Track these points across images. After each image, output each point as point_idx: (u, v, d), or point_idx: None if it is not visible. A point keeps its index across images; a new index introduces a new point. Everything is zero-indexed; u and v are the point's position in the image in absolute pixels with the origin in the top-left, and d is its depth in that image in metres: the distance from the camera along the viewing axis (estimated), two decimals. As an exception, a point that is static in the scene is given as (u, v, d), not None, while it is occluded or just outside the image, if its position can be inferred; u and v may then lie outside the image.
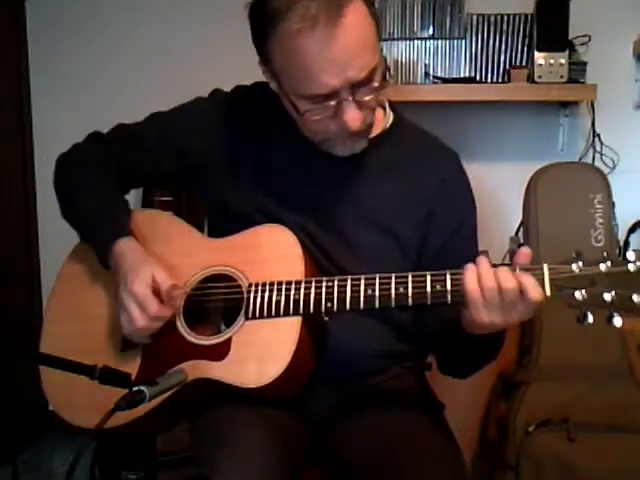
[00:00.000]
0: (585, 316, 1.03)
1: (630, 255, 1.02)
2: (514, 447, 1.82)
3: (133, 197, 2.18)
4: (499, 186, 2.31)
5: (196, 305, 1.26)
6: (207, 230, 1.38)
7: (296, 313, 1.16)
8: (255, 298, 1.19)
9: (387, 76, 1.20)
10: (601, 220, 1.95)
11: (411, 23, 2.24)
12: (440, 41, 2.27)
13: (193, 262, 1.27)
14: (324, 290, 1.15)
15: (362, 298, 1.12)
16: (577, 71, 2.16)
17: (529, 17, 2.21)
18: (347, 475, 1.22)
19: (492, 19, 2.24)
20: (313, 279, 1.17)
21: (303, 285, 1.17)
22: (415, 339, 1.33)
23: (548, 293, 1.03)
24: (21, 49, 2.50)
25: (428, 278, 1.09)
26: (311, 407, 1.27)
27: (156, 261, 1.24)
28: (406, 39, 2.26)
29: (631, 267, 1.01)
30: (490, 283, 1.02)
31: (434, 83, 2.26)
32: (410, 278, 1.10)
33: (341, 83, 1.09)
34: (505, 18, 2.23)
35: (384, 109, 1.33)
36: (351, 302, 1.13)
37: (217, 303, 1.25)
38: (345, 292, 1.14)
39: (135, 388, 1.01)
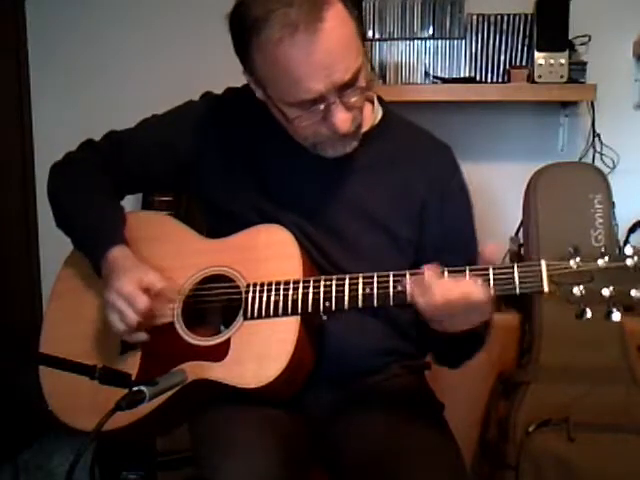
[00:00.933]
0: (583, 312, 1.03)
1: (628, 250, 1.01)
2: (514, 447, 1.82)
3: (133, 197, 2.19)
4: (499, 186, 2.31)
5: (195, 306, 1.26)
6: (206, 230, 1.39)
7: (294, 313, 1.16)
8: (253, 298, 1.19)
9: (373, 75, 1.20)
10: (601, 220, 1.94)
11: (411, 23, 2.24)
12: (440, 41, 2.26)
13: (191, 263, 1.27)
14: (322, 290, 1.15)
15: (360, 297, 1.13)
16: (577, 71, 2.16)
17: (529, 17, 2.21)
18: (347, 475, 1.22)
19: (492, 19, 2.24)
20: (311, 278, 1.17)
21: (301, 285, 1.17)
22: (414, 338, 1.33)
23: (546, 289, 1.03)
24: (21, 49, 2.49)
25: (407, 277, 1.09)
26: (311, 407, 1.27)
27: (148, 266, 1.24)
28: (406, 39, 2.26)
29: (629, 262, 1.01)
30: (437, 299, 1.02)
31: (434, 83, 2.26)
32: (408, 276, 1.10)
33: (327, 87, 1.09)
34: (505, 18, 2.23)
35: (372, 104, 1.32)
36: (349, 301, 1.13)
37: (215, 304, 1.25)
38: (343, 291, 1.14)
39: (135, 388, 1.01)
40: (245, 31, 1.10)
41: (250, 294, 1.20)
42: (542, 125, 2.36)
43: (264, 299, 1.18)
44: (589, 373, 1.90)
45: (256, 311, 1.18)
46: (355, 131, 1.20)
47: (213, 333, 1.22)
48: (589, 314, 1.03)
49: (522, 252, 2.09)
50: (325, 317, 1.21)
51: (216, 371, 1.17)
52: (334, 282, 1.15)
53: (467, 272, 1.05)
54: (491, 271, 1.05)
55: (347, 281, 1.14)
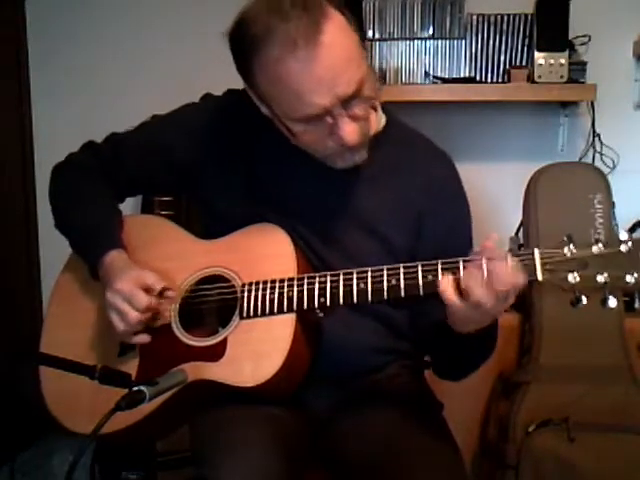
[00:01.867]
0: (579, 299, 1.03)
1: (622, 235, 1.01)
2: (514, 447, 1.82)
3: (134, 199, 2.19)
4: (499, 186, 2.31)
5: (191, 307, 1.26)
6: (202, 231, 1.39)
7: (290, 310, 1.17)
8: (249, 297, 1.19)
9: (379, 83, 1.19)
10: (601, 220, 1.94)
11: (411, 23, 2.24)
12: (440, 41, 2.27)
13: (187, 265, 1.28)
14: (317, 286, 1.16)
15: (355, 292, 1.13)
16: (577, 71, 2.16)
17: (529, 17, 2.21)
18: (347, 474, 1.22)
19: (492, 19, 2.24)
20: (305, 275, 1.17)
21: (296, 282, 1.17)
22: (412, 338, 1.33)
23: (540, 277, 1.03)
24: (21, 49, 2.49)
25: (419, 269, 1.09)
26: (311, 406, 1.27)
27: (144, 268, 1.25)
28: (406, 39, 2.26)
29: (623, 248, 1.01)
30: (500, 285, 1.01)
31: (434, 83, 2.26)
32: (402, 270, 1.10)
33: (331, 101, 1.08)
34: (505, 18, 2.23)
35: (375, 110, 1.31)
36: (344, 296, 1.14)
37: (212, 304, 1.26)
38: (338, 287, 1.14)
39: (135, 388, 1.01)
40: (245, 50, 1.09)
41: (245, 293, 1.20)
42: (542, 125, 2.36)
43: (259, 298, 1.19)
44: (589, 373, 1.90)
45: (252, 310, 1.19)
46: (363, 141, 1.19)
47: (210, 333, 1.22)
48: (584, 301, 1.02)
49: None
50: (321, 314, 1.21)
51: (214, 371, 1.17)
52: (329, 278, 1.15)
53: (461, 263, 1.05)
54: (484, 261, 1.04)
55: (341, 277, 1.15)
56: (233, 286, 1.23)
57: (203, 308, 1.27)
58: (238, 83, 1.36)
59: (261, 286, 1.19)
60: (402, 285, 1.10)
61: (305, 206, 1.26)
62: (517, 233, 2.16)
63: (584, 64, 2.18)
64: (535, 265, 1.03)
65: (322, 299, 1.15)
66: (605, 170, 2.20)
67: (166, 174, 1.36)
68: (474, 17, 2.24)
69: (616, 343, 1.92)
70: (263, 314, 1.18)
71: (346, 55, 1.08)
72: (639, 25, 2.26)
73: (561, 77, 2.12)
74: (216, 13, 2.32)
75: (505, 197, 2.28)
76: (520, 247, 2.21)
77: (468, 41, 2.25)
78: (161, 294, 1.24)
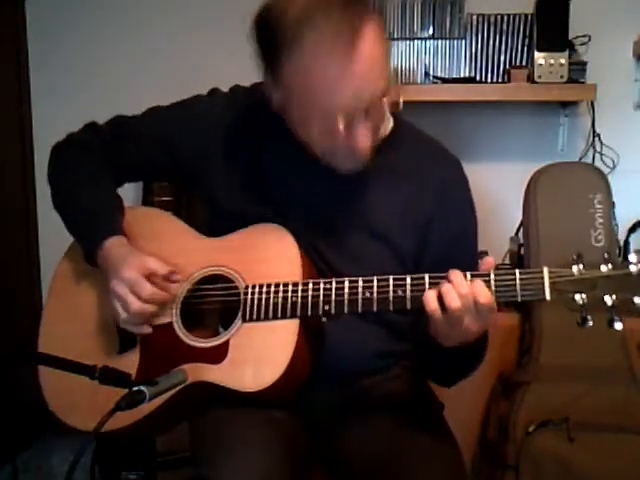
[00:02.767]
0: (585, 320, 1.02)
1: (632, 257, 1.00)
2: (514, 447, 1.82)
3: (133, 197, 2.19)
4: (499, 186, 2.31)
5: (193, 307, 1.25)
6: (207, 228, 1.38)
7: (293, 316, 1.15)
8: (252, 300, 1.18)
9: (397, 96, 1.19)
10: (601, 220, 1.94)
11: (411, 23, 2.24)
12: (440, 41, 2.27)
13: (190, 261, 1.26)
14: (322, 292, 1.14)
15: (360, 301, 1.11)
16: (577, 71, 2.16)
17: (529, 17, 2.21)
18: (348, 475, 1.22)
19: (492, 19, 2.24)
20: (310, 281, 1.16)
21: (300, 287, 1.16)
22: (413, 339, 1.32)
23: (548, 297, 1.02)
24: (21, 49, 2.49)
25: (426, 280, 1.08)
26: (312, 407, 1.26)
27: (145, 253, 1.23)
28: (406, 39, 2.26)
29: (633, 269, 1.00)
30: (454, 302, 1.02)
31: (434, 83, 2.26)
32: (409, 280, 1.09)
33: (356, 105, 1.07)
34: (505, 18, 2.23)
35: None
36: (349, 305, 1.12)
37: (214, 305, 1.25)
38: (343, 295, 1.13)
39: (135, 388, 1.01)
40: (278, 40, 1.06)
41: (249, 296, 1.18)
42: (542, 125, 2.36)
43: (263, 301, 1.17)
44: (589, 373, 1.89)
45: (255, 313, 1.17)
46: (371, 147, 1.18)
47: (212, 334, 1.21)
48: (591, 322, 1.01)
49: (522, 252, 2.09)
50: (324, 319, 1.20)
51: (214, 373, 1.16)
52: (334, 285, 1.14)
53: (468, 276, 1.05)
54: (492, 277, 1.04)
55: (347, 284, 1.13)
56: (236, 287, 1.21)
57: (205, 308, 1.25)
58: (238, 82, 1.36)
59: (265, 289, 1.18)
60: (408, 296, 1.09)
61: (311, 208, 1.25)
62: (517, 233, 2.16)
63: (584, 64, 2.19)
64: (544, 284, 1.02)
65: (327, 306, 1.13)
66: (605, 170, 2.20)
67: (169, 165, 1.33)
68: (474, 17, 2.24)
69: (616, 343, 1.91)
70: (266, 318, 1.16)
71: (378, 62, 1.07)
72: (639, 25, 2.26)
73: (561, 77, 2.12)
74: (216, 13, 2.34)
75: (505, 197, 2.28)
76: (520, 247, 2.22)
77: (468, 41, 2.25)
78: (167, 278, 1.22)
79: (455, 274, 1.04)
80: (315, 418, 1.27)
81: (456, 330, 1.05)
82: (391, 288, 1.10)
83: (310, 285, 1.15)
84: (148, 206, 2.12)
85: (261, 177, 1.28)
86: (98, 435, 0.95)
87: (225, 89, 1.37)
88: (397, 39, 2.25)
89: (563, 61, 2.12)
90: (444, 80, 2.25)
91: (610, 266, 1.01)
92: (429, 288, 1.07)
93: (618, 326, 1.01)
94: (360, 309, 1.12)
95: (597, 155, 2.30)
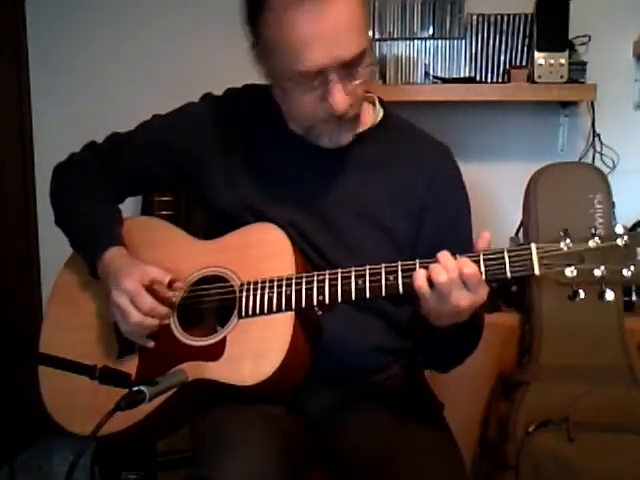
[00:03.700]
0: (576, 293, 1.03)
1: (619, 229, 1.02)
2: (514, 447, 1.82)
3: (133, 198, 2.19)
4: (499, 186, 2.31)
5: (190, 307, 1.26)
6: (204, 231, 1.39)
7: (288, 309, 1.17)
8: (247, 297, 1.20)
9: (375, 68, 1.20)
10: (601, 220, 1.94)
11: (411, 23, 2.24)
12: (440, 41, 2.27)
13: (185, 265, 1.28)
14: (315, 284, 1.16)
15: (353, 290, 1.13)
16: (577, 71, 2.16)
17: (529, 17, 2.21)
18: (347, 474, 1.22)
19: (492, 19, 2.24)
20: (304, 274, 1.17)
21: (294, 281, 1.17)
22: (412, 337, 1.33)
23: (537, 272, 1.03)
24: (21, 49, 2.49)
25: (417, 266, 1.09)
26: (311, 406, 1.27)
27: (145, 263, 1.25)
28: (406, 39, 2.26)
29: (619, 241, 1.01)
30: (440, 277, 1.03)
31: (434, 83, 2.26)
32: (400, 267, 1.11)
33: (328, 61, 1.09)
34: (505, 18, 2.23)
35: (374, 105, 1.33)
36: (342, 294, 1.14)
37: (211, 304, 1.26)
38: (336, 285, 1.14)
39: (135, 388, 1.01)
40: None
41: (244, 293, 1.20)
42: (542, 125, 2.36)
43: (258, 297, 1.19)
44: (589, 373, 1.90)
45: (250, 309, 1.19)
46: (352, 120, 1.20)
47: (209, 333, 1.22)
48: (582, 295, 1.02)
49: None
50: (320, 312, 1.21)
51: (213, 370, 1.17)
52: (327, 277, 1.15)
53: (458, 257, 1.06)
54: (481, 256, 1.05)
55: (339, 275, 1.14)
56: (232, 286, 1.23)
57: (202, 308, 1.27)
58: (238, 82, 1.37)
59: (259, 285, 1.19)
60: (400, 282, 1.10)
61: (304, 199, 1.27)
62: (517, 233, 2.16)
63: (584, 64, 2.18)
64: (532, 260, 1.03)
65: (320, 297, 1.15)
66: (605, 170, 2.20)
67: (166, 172, 1.36)
68: (474, 17, 2.24)
69: (616, 343, 1.92)
70: (262, 313, 1.18)
71: (351, 20, 1.10)
72: (639, 25, 2.26)
73: (561, 77, 2.12)
74: (216, 13, 2.34)
75: (505, 197, 2.28)
76: (520, 246, 2.21)
77: (468, 41, 2.25)
78: (169, 286, 1.24)
79: (443, 254, 1.06)
80: (314, 417, 1.27)
81: (446, 307, 1.05)
82: (383, 276, 1.11)
83: (303, 278, 1.17)
84: (148, 207, 2.13)
85: (255, 174, 1.30)
86: (97, 439, 0.95)
87: (225, 89, 1.37)
88: (397, 39, 2.25)
89: (563, 61, 2.12)
90: (444, 80, 2.25)
91: (597, 239, 1.02)
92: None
93: (609, 296, 1.01)
94: (354, 297, 1.13)
95: (597, 155, 2.30)
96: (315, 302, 1.15)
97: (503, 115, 2.35)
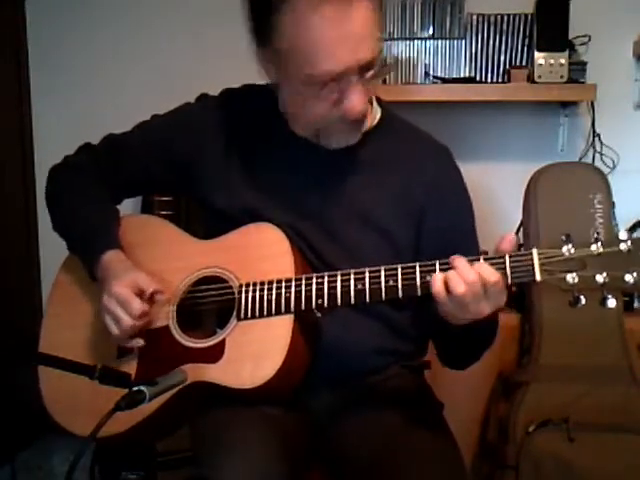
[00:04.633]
0: (577, 299, 1.02)
1: (622, 235, 1.00)
2: (514, 447, 1.82)
3: (133, 198, 2.18)
4: (499, 186, 2.31)
5: (189, 309, 1.26)
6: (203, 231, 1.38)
7: (287, 311, 1.16)
8: (246, 298, 1.19)
9: (385, 69, 1.21)
10: (601, 220, 1.94)
11: (411, 23, 2.24)
12: (440, 41, 2.26)
13: (184, 265, 1.28)
14: (314, 287, 1.15)
15: (352, 292, 1.13)
16: (577, 71, 2.16)
17: (529, 17, 2.21)
18: (347, 475, 1.22)
19: (492, 19, 2.24)
20: (303, 276, 1.17)
21: (293, 283, 1.17)
22: (413, 338, 1.32)
23: (538, 278, 1.02)
24: (21, 49, 2.49)
25: (417, 269, 1.09)
26: (311, 407, 1.27)
27: (140, 269, 1.25)
28: (406, 39, 2.26)
29: (623, 247, 1.00)
30: (458, 287, 1.02)
31: (434, 83, 2.26)
32: (400, 270, 1.10)
33: (352, 63, 1.09)
34: (505, 18, 2.23)
35: (371, 105, 1.32)
36: (342, 297, 1.13)
37: (209, 305, 1.26)
38: (335, 288, 1.14)
39: (135, 388, 1.01)
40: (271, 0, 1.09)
41: (243, 294, 1.20)
42: (542, 125, 2.36)
43: (257, 299, 1.18)
44: (589, 373, 1.90)
45: (249, 311, 1.18)
46: (362, 120, 1.20)
47: (209, 335, 1.22)
48: (583, 301, 1.02)
49: (522, 252, 2.08)
50: (319, 314, 1.20)
51: (212, 372, 1.17)
52: (326, 279, 1.15)
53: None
54: (482, 262, 1.04)
55: (339, 277, 1.14)
56: (230, 287, 1.22)
57: (201, 309, 1.26)
58: (238, 82, 1.36)
59: (258, 287, 1.19)
60: (400, 286, 1.10)
61: (303, 201, 1.26)
62: (517, 233, 2.16)
63: (584, 64, 2.18)
64: (533, 265, 1.02)
65: (320, 300, 1.15)
66: (605, 170, 2.20)
67: (164, 173, 1.35)
68: (474, 17, 2.24)
69: (616, 343, 1.92)
70: (261, 315, 1.18)
71: (372, 23, 1.10)
72: (639, 25, 2.26)
73: (561, 77, 2.12)
74: (216, 13, 2.34)
75: (505, 197, 2.28)
76: (520, 247, 2.21)
77: (468, 41, 2.25)
78: (151, 297, 1.23)
79: (459, 260, 1.04)
80: (314, 417, 1.27)
81: (466, 314, 1.05)
82: (383, 278, 1.11)
83: (303, 280, 1.16)
84: (148, 207, 2.13)
85: (253, 174, 1.29)
86: (98, 440, 0.95)
87: (222, 89, 1.37)
88: (397, 39, 2.25)
89: (563, 61, 2.12)
90: (444, 80, 2.24)
91: (599, 245, 1.01)
92: (421, 276, 1.08)
93: (611, 304, 1.00)
94: (353, 300, 1.13)
95: (597, 155, 2.30)
96: (314, 304, 1.15)
97: (503, 115, 2.35)
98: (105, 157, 1.38)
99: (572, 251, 1.02)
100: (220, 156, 1.31)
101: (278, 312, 1.17)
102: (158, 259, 1.29)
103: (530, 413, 1.85)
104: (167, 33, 2.43)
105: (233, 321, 1.20)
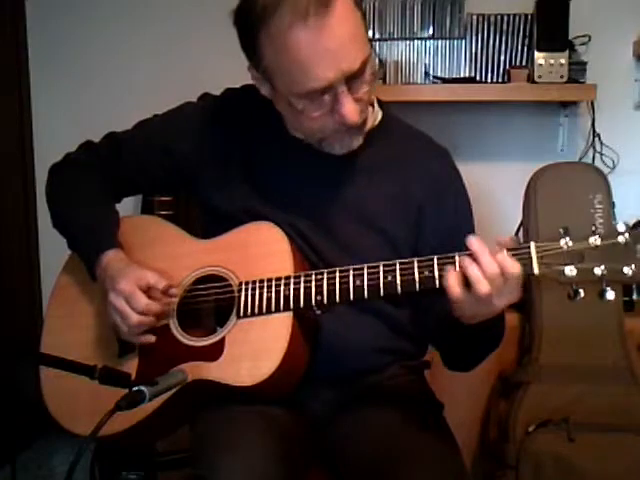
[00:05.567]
0: (576, 292, 1.02)
1: (620, 227, 1.00)
2: (514, 447, 1.82)
3: (133, 198, 2.19)
4: (499, 186, 2.31)
5: (189, 307, 1.26)
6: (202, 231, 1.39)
7: (287, 308, 1.17)
8: (246, 296, 1.19)
9: (377, 71, 1.20)
10: (601, 220, 1.94)
11: (411, 23, 2.24)
12: (440, 41, 2.27)
13: (183, 265, 1.28)
14: (313, 284, 1.16)
15: (351, 289, 1.13)
16: (577, 71, 2.16)
17: (529, 17, 2.21)
18: (347, 475, 1.22)
19: (492, 19, 2.24)
20: (302, 273, 1.17)
21: (292, 280, 1.17)
22: (413, 337, 1.32)
23: (536, 271, 1.01)
24: (21, 49, 2.49)
25: (415, 265, 1.09)
26: (311, 406, 1.27)
27: (143, 267, 1.25)
28: (406, 39, 2.26)
29: (620, 239, 0.99)
30: (483, 286, 1.01)
31: (434, 83, 2.26)
32: (398, 266, 1.10)
33: (336, 75, 1.09)
34: (505, 18, 2.23)
35: (372, 106, 1.32)
36: (340, 294, 1.14)
37: (209, 304, 1.26)
38: (334, 284, 1.14)
39: (135, 388, 1.01)
40: (254, 20, 1.09)
41: (242, 292, 1.20)
42: (542, 125, 2.36)
43: (256, 297, 1.19)
44: (589, 373, 1.90)
45: (249, 309, 1.19)
46: (362, 125, 1.20)
47: (208, 333, 1.22)
48: (582, 294, 1.01)
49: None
50: (319, 312, 1.21)
51: (212, 371, 1.17)
52: (325, 276, 1.15)
53: (457, 258, 1.05)
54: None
55: (337, 274, 1.14)
56: (230, 285, 1.23)
57: (201, 308, 1.26)
58: (238, 82, 1.36)
59: (257, 285, 1.19)
60: (398, 281, 1.10)
61: (303, 201, 1.27)
62: (517, 233, 2.16)
63: (584, 64, 2.18)
64: (531, 259, 1.02)
65: (319, 297, 1.15)
66: (605, 170, 2.20)
67: (164, 173, 1.36)
68: (474, 17, 2.24)
69: (616, 343, 1.92)
70: (260, 313, 1.18)
71: (354, 31, 1.10)
72: (639, 25, 2.26)
73: (561, 77, 2.12)
74: (216, 13, 2.33)
75: (505, 197, 2.28)
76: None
77: (468, 41, 2.25)
78: (164, 292, 1.24)
79: (484, 255, 1.02)
80: (314, 417, 1.27)
81: (484, 310, 1.04)
82: (381, 275, 1.11)
83: (302, 277, 1.16)
84: (148, 207, 2.13)
85: (254, 174, 1.29)
86: (98, 440, 0.95)
87: (224, 89, 1.37)
88: (397, 39, 2.25)
89: (563, 61, 2.12)
90: (444, 80, 2.25)
91: (598, 237, 1.00)
92: (419, 272, 1.08)
93: (610, 296, 1.00)
94: (352, 297, 1.13)
95: (597, 155, 2.30)
96: (314, 302, 1.15)
97: (503, 115, 2.35)
98: (106, 155, 1.38)
99: (570, 244, 1.01)
100: (220, 156, 1.31)
101: (277, 309, 1.17)
102: (158, 259, 1.29)
103: (530, 413, 1.85)
104: (167, 33, 2.43)
105: (233, 319, 1.20)
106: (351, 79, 1.11)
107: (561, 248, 1.02)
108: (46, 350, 1.32)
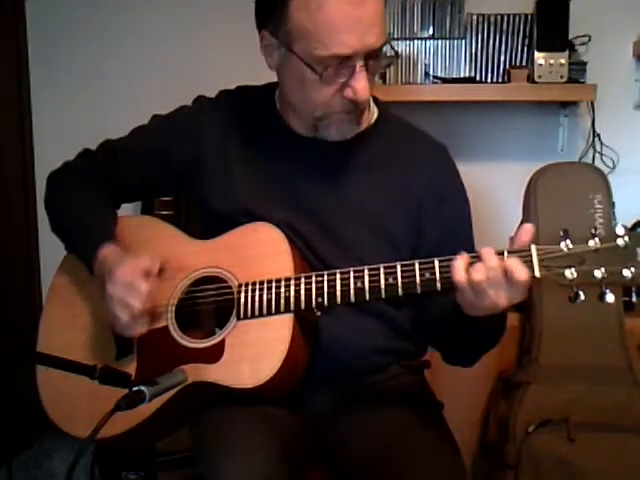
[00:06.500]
0: (577, 295, 1.03)
1: (619, 230, 1.01)
2: (514, 447, 1.82)
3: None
4: (499, 186, 2.31)
5: (188, 309, 1.26)
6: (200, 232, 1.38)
7: (287, 310, 1.16)
8: (246, 298, 1.19)
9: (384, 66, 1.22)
10: (601, 220, 1.94)
11: (411, 23, 2.24)
12: (440, 41, 2.26)
13: (182, 266, 1.27)
14: (314, 285, 1.15)
15: (352, 291, 1.13)
16: (577, 71, 2.16)
17: (529, 17, 2.21)
18: (347, 475, 1.22)
19: (492, 19, 2.23)
20: (302, 275, 1.17)
21: (293, 282, 1.17)
22: (413, 337, 1.32)
23: (537, 274, 1.02)
24: (21, 49, 2.49)
25: (417, 267, 1.09)
26: (311, 406, 1.27)
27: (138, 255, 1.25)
28: (406, 39, 2.26)
29: (620, 242, 1.00)
30: (478, 274, 1.02)
31: (434, 83, 2.26)
32: (399, 268, 1.10)
33: (360, 46, 1.11)
34: (505, 18, 2.23)
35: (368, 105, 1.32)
36: (341, 296, 1.13)
37: (208, 305, 1.25)
38: (335, 286, 1.14)
39: (135, 388, 1.01)
40: None
41: (242, 294, 1.20)
42: (542, 125, 2.36)
43: (256, 298, 1.18)
44: (589, 373, 1.90)
45: (249, 311, 1.18)
46: (361, 112, 1.21)
47: (208, 335, 1.21)
48: (582, 297, 1.02)
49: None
50: (319, 313, 1.20)
51: (212, 372, 1.17)
52: (325, 277, 1.15)
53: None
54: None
55: (338, 276, 1.14)
56: (229, 287, 1.22)
57: (200, 309, 1.26)
58: (238, 83, 1.36)
59: (257, 286, 1.19)
60: (399, 283, 1.10)
61: (301, 200, 1.26)
62: (517, 233, 2.16)
63: (584, 64, 2.18)
64: (532, 261, 1.02)
65: (319, 299, 1.15)
66: (605, 170, 2.20)
67: (162, 177, 1.36)
68: (474, 17, 2.24)
69: (616, 343, 1.92)
70: (260, 315, 1.18)
71: (381, 14, 1.14)
72: (639, 25, 2.26)
73: (561, 77, 2.12)
74: (216, 13, 2.34)
75: (505, 197, 2.28)
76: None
77: (468, 41, 2.25)
78: (159, 274, 1.23)
79: (486, 251, 1.04)
80: (314, 417, 1.27)
81: (485, 303, 1.04)
82: (382, 277, 1.11)
83: (302, 279, 1.16)
84: (148, 207, 2.13)
85: (251, 174, 1.29)
86: (97, 441, 0.95)
87: (224, 89, 1.37)
88: (397, 39, 2.24)
89: (563, 61, 2.12)
90: (444, 80, 2.24)
91: (597, 240, 1.01)
92: (420, 274, 1.08)
93: (610, 298, 1.01)
94: (353, 299, 1.13)
95: (597, 155, 2.30)
96: (314, 303, 1.15)
97: (503, 115, 2.35)
98: (104, 162, 1.38)
99: (570, 247, 1.02)
100: (217, 157, 1.31)
101: (278, 311, 1.17)
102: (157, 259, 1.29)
103: (530, 413, 1.85)
104: (167, 33, 2.43)
105: (233, 321, 1.20)
106: (369, 57, 1.13)
107: (562, 251, 1.02)
108: (43, 350, 1.31)
